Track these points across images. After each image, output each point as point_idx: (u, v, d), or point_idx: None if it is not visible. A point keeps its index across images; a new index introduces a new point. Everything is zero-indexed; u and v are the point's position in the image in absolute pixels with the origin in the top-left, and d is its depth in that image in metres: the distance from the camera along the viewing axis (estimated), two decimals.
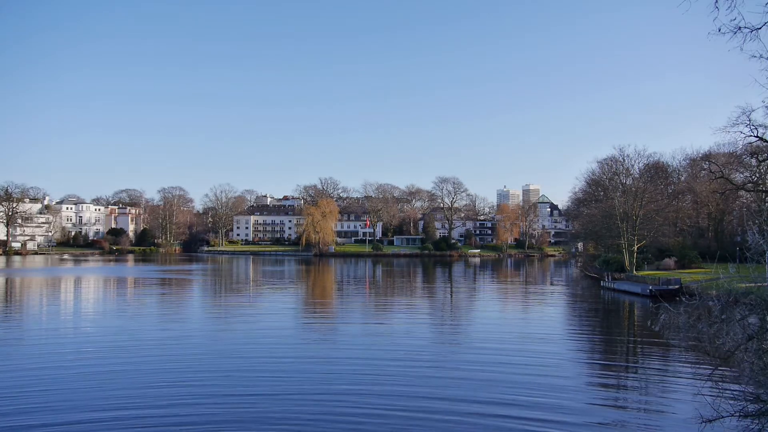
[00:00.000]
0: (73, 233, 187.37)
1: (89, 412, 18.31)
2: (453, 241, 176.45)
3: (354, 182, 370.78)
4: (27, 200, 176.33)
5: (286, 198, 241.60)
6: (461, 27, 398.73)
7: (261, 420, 17.48)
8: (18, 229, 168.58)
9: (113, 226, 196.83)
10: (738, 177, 79.53)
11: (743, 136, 45.46)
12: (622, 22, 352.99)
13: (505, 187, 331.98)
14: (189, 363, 25.62)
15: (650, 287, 52.78)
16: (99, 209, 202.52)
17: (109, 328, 35.75)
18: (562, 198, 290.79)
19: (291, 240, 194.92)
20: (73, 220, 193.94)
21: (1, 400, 19.39)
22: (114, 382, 22.08)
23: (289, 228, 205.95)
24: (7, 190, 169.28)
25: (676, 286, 51.28)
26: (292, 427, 16.98)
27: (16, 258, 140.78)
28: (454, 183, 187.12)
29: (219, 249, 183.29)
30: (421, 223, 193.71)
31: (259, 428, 16.76)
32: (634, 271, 67.58)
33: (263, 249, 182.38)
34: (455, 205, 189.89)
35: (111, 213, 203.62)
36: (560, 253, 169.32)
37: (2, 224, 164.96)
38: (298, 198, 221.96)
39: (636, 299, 53.47)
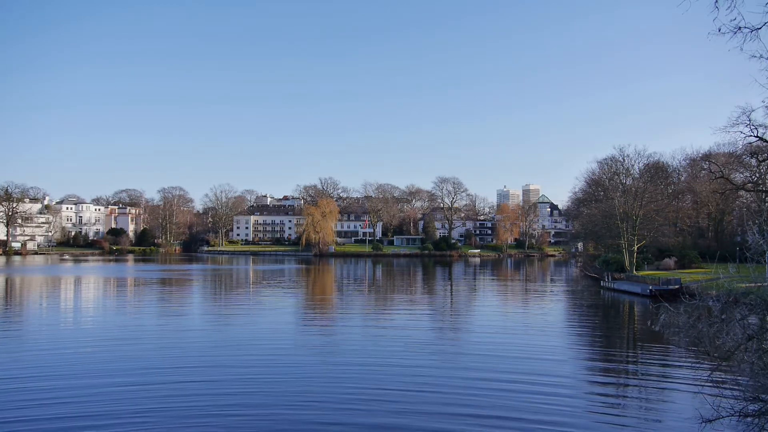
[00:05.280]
0: (73, 233, 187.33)
1: (87, 396, 18.50)
2: (453, 241, 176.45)
3: (354, 182, 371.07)
4: (27, 200, 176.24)
5: (286, 198, 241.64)
6: (461, 27, 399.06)
7: (263, 405, 17.72)
8: (18, 229, 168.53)
9: (113, 226, 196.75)
10: (738, 177, 79.58)
11: (743, 136, 45.66)
12: (623, 22, 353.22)
13: (505, 187, 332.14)
14: (188, 356, 25.77)
15: (650, 287, 52.76)
16: (99, 209, 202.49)
17: (109, 323, 35.84)
18: (562, 198, 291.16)
19: (291, 240, 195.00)
20: (73, 220, 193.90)
21: (3, 391, 19.84)
22: (112, 372, 22.35)
23: (289, 228, 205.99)
24: (7, 190, 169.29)
25: (676, 286, 51.24)
26: (295, 409, 17.26)
27: (16, 258, 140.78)
28: (454, 183, 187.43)
29: (219, 249, 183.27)
30: (421, 223, 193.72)
31: (262, 414, 17.00)
32: (634, 271, 67.56)
33: (263, 249, 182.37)
34: (455, 205, 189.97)
35: (111, 213, 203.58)
36: (560, 253, 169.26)
37: (2, 224, 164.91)
38: (298, 198, 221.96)
39: (636, 299, 53.46)
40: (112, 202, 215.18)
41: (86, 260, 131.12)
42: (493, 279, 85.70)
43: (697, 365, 23.40)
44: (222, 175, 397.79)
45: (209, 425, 16.45)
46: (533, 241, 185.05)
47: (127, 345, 28.53)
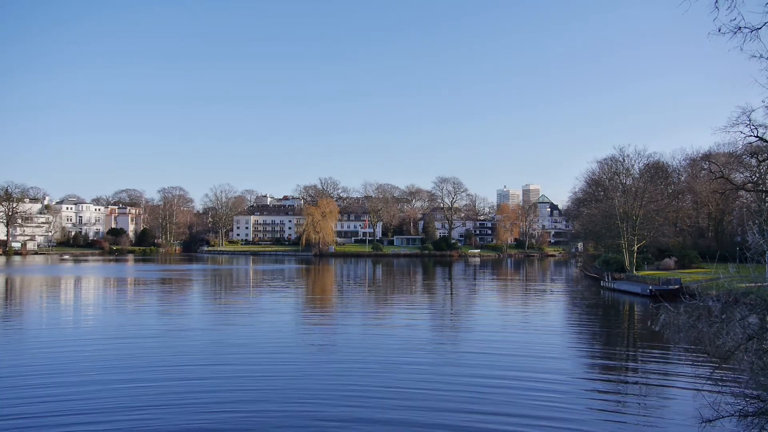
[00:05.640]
0: (73, 233, 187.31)
1: (87, 396, 18.54)
2: (453, 241, 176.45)
3: (354, 182, 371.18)
4: (27, 200, 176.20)
5: (286, 198, 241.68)
6: (461, 27, 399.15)
7: (263, 401, 17.88)
8: (18, 229, 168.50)
9: (113, 226, 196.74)
10: (738, 177, 79.54)
11: (743, 136, 45.66)
12: (623, 22, 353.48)
13: (505, 187, 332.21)
14: (188, 355, 25.81)
15: (650, 287, 52.75)
16: (99, 209, 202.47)
17: (108, 323, 35.83)
18: (562, 198, 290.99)
19: (291, 240, 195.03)
20: (73, 220, 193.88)
21: (3, 388, 20.01)
22: (112, 370, 22.37)
23: (289, 228, 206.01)
24: (7, 190, 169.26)
25: (676, 286, 51.24)
26: (295, 406, 17.36)
27: (16, 258, 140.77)
28: (454, 183, 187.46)
29: (219, 249, 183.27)
30: (421, 223, 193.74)
31: (261, 410, 17.15)
32: (634, 271, 67.55)
33: (263, 249, 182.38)
34: (455, 205, 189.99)
35: (111, 213, 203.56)
36: (560, 253, 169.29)
37: (2, 224, 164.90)
38: (298, 198, 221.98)
39: (636, 299, 53.45)
40: (112, 202, 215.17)
41: (86, 260, 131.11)
42: (493, 279, 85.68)
43: (697, 365, 23.42)
44: (222, 175, 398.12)
45: (209, 421, 16.53)
46: (533, 241, 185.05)
47: (126, 344, 28.62)
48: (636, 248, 70.29)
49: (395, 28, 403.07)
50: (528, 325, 38.44)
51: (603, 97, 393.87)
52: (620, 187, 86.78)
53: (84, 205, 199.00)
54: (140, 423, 16.30)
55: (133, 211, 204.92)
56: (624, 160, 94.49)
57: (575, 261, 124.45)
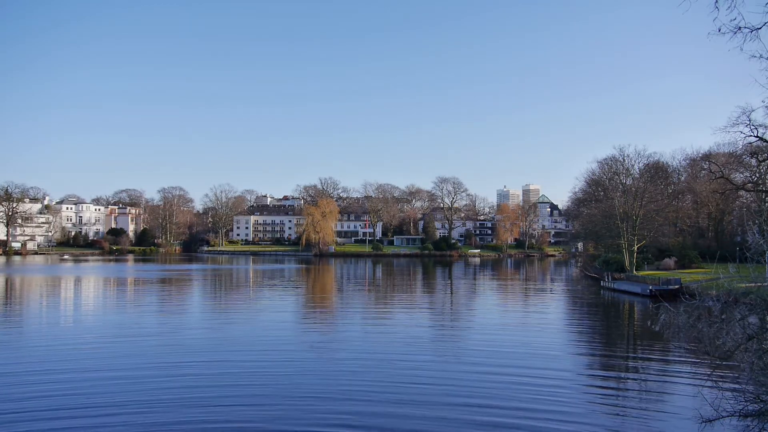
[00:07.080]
0: (73, 233, 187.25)
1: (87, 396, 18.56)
2: (453, 241, 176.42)
3: (354, 182, 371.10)
4: (27, 200, 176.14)
5: (286, 198, 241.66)
6: (461, 27, 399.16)
7: (263, 396, 17.83)
8: (18, 229, 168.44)
9: (113, 226, 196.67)
10: (738, 177, 79.55)
11: (743, 136, 45.68)
12: (622, 22, 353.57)
13: (505, 187, 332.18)
14: (188, 353, 25.85)
15: (650, 287, 52.75)
16: (99, 209, 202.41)
17: (109, 322, 35.86)
18: (562, 198, 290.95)
19: (291, 240, 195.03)
20: (73, 220, 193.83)
21: (4, 389, 20.02)
22: (112, 368, 22.35)
23: (289, 228, 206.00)
24: (7, 190, 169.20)
25: (676, 286, 51.24)
26: (295, 401, 17.28)
27: (16, 258, 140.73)
28: (454, 183, 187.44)
29: (219, 249, 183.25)
30: (421, 223, 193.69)
31: (261, 406, 17.17)
32: (634, 271, 67.55)
33: (263, 249, 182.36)
34: (455, 205, 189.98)
35: (111, 213, 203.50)
36: (560, 253, 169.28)
37: (2, 224, 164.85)
38: (298, 198, 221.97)
39: (636, 299, 53.45)
40: (112, 202, 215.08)
41: (86, 260, 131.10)
42: (493, 279, 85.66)
43: (697, 365, 23.42)
44: (222, 175, 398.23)
45: (209, 417, 16.58)
46: (533, 241, 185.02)
47: (127, 342, 28.67)
48: (636, 248, 70.29)
49: (395, 28, 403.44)
50: (528, 324, 38.43)
51: (603, 97, 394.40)
52: (620, 187, 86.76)
53: (84, 205, 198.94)
54: (140, 419, 16.30)
55: (133, 211, 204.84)
56: (624, 160, 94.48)
57: (575, 261, 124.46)
